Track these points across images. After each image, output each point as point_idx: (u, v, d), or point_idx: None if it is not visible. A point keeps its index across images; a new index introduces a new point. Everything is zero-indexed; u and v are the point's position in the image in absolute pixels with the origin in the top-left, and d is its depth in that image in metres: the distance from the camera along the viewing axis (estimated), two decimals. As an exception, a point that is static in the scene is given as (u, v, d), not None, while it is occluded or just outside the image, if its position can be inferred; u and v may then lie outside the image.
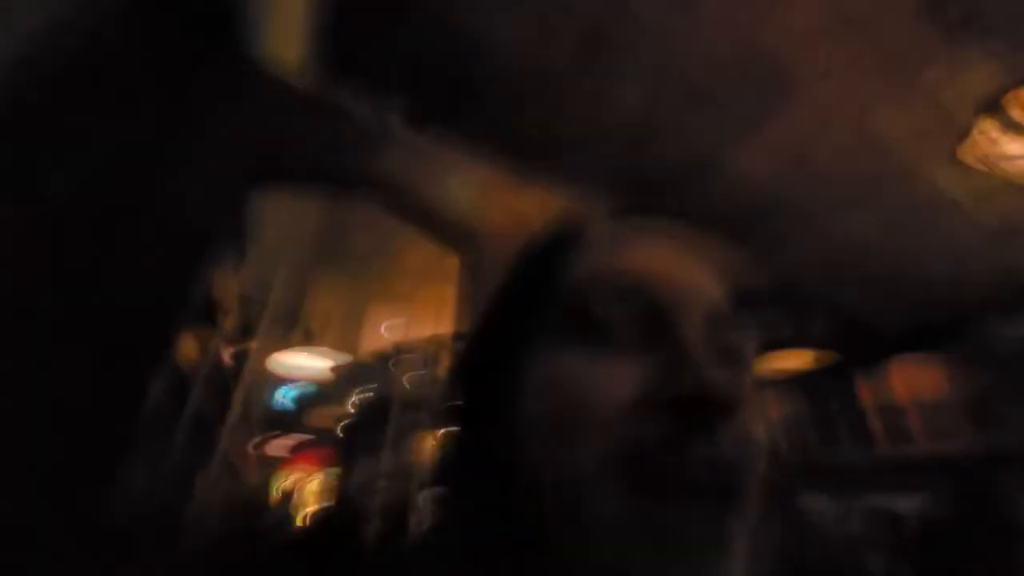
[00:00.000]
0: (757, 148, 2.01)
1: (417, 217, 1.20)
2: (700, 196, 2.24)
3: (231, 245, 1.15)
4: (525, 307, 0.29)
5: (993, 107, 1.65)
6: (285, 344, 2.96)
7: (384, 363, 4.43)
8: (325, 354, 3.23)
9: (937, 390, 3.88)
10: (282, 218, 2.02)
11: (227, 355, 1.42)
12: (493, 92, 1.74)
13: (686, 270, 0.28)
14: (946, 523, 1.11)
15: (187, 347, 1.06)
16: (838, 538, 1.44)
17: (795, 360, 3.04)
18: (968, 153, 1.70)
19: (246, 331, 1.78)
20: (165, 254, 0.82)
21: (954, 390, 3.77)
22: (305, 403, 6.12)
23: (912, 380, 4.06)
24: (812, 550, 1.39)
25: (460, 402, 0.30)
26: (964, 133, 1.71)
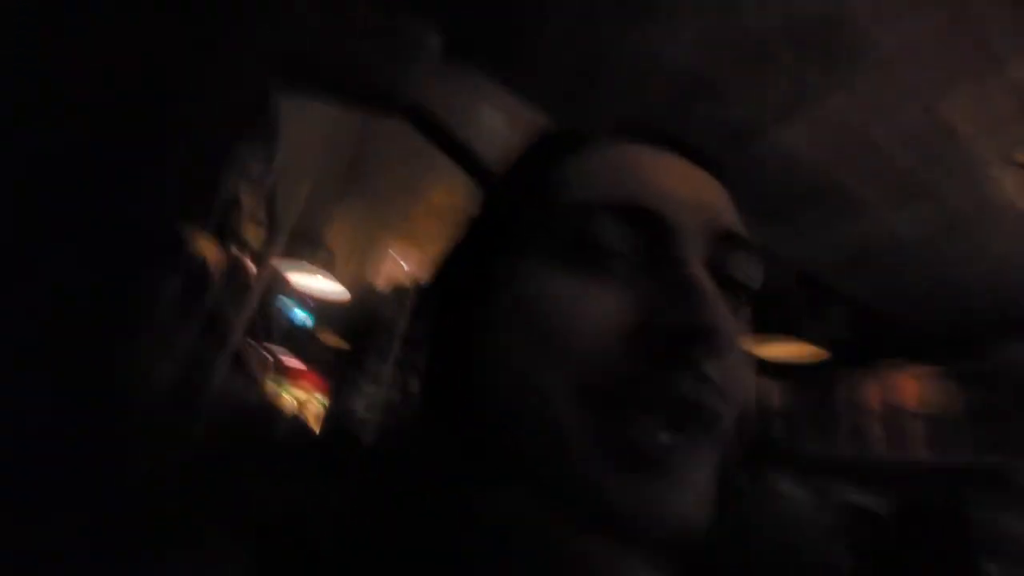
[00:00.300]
0: (814, 124, 1.87)
1: (444, 144, 1.16)
2: (742, 168, 2.12)
3: (255, 150, 1.14)
4: (509, 222, 0.26)
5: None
6: (305, 263, 3.02)
7: (400, 297, 4.52)
8: (342, 279, 3.29)
9: (945, 403, 3.83)
10: (311, 138, 1.99)
11: (249, 263, 1.46)
12: (539, 29, 1.63)
13: (695, 189, 0.25)
14: (915, 526, 1.12)
15: (208, 250, 1.09)
16: (810, 525, 1.48)
17: (804, 351, 3.00)
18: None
19: (269, 243, 1.81)
20: (186, 150, 0.82)
21: (963, 406, 3.73)
22: (320, 324, 6.35)
23: (921, 389, 4.01)
24: (783, 532, 1.44)
25: (431, 320, 0.29)
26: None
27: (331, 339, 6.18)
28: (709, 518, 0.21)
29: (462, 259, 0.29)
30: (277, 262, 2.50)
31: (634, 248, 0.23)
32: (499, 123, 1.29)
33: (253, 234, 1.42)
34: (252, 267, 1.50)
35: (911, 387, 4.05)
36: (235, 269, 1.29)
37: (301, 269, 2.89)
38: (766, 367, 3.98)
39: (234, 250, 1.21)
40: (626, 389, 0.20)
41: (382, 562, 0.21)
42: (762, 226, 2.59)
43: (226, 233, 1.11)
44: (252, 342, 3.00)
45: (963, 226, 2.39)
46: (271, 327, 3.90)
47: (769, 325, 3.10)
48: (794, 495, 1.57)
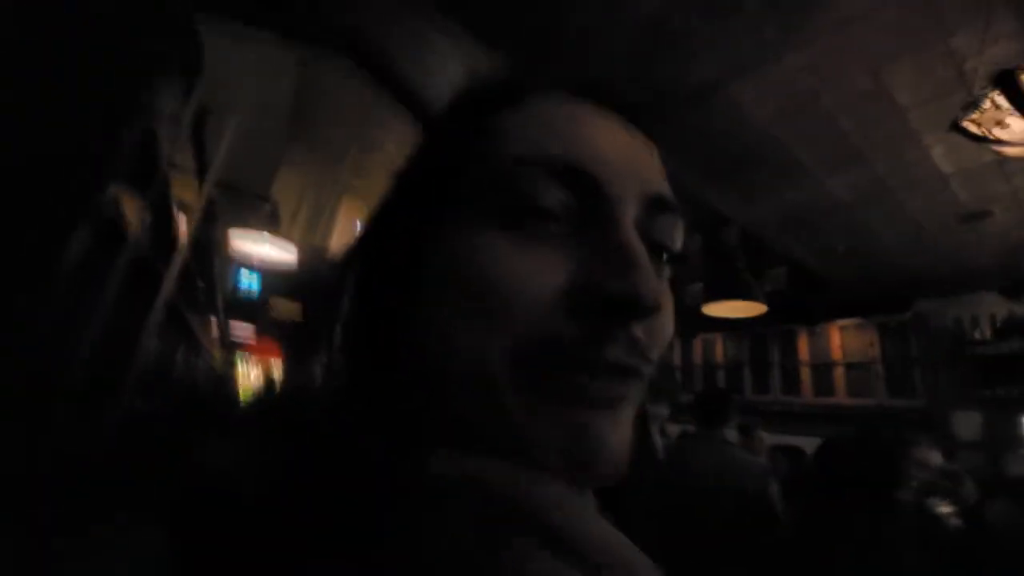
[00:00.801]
0: (767, 84, 1.89)
1: (391, 86, 1.07)
2: (698, 128, 2.13)
3: (173, 86, 1.00)
4: (441, 175, 0.25)
5: (1009, 81, 1.58)
6: (247, 221, 2.81)
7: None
8: (292, 243, 3.10)
9: (865, 353, 4.25)
10: (243, 76, 1.80)
11: (177, 216, 1.32)
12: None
13: (631, 154, 0.25)
14: (834, 461, 1.25)
15: (125, 201, 0.97)
16: (746, 465, 1.63)
17: (746, 308, 3.19)
18: (972, 124, 1.66)
19: (200, 195, 1.64)
20: (89, 84, 0.70)
21: (880, 356, 4.16)
22: (270, 291, 6.03)
23: (845, 341, 4.42)
24: (723, 473, 1.58)
25: (358, 280, 0.27)
26: (974, 105, 1.66)
27: (283, 305, 5.92)
28: (629, 454, 0.23)
29: (391, 214, 0.28)
30: (215, 218, 2.31)
31: (569, 210, 0.23)
32: (453, 67, 1.20)
33: (180, 184, 1.28)
34: (181, 220, 1.36)
35: (836, 338, 4.47)
36: (160, 222, 1.16)
37: (243, 227, 2.68)
38: (712, 323, 4.22)
39: (158, 201, 1.08)
40: (561, 352, 0.21)
41: (308, 528, 0.20)
42: (711, 186, 2.66)
43: (145, 182, 0.99)
44: (202, 311, 2.80)
45: (889, 191, 2.56)
46: (215, 290, 3.66)
47: (717, 285, 3.25)
48: (734, 439, 1.72)
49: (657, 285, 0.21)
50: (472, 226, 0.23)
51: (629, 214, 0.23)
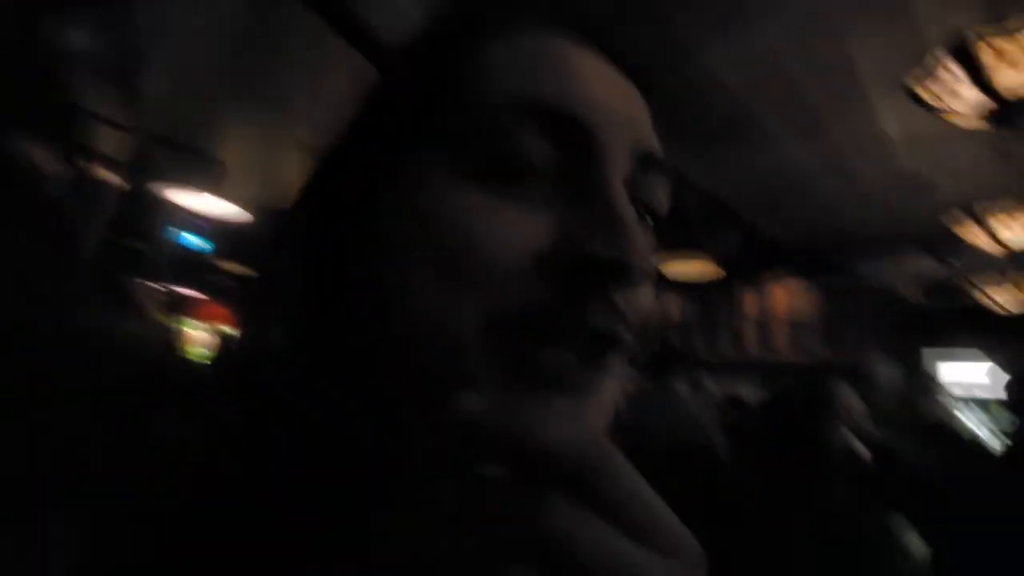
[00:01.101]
0: (736, 51, 1.87)
1: (340, 25, 0.97)
2: (671, 95, 2.10)
3: (96, 27, 0.86)
4: (409, 119, 0.22)
5: (964, 49, 1.63)
6: (187, 178, 2.57)
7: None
8: (238, 197, 2.89)
9: (805, 312, 4.59)
10: (181, 18, 1.58)
11: (104, 174, 1.17)
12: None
13: (624, 102, 0.23)
14: (777, 410, 1.36)
15: (39, 157, 0.84)
16: (695, 419, 1.74)
17: (701, 268, 3.33)
18: (926, 93, 1.71)
19: (134, 151, 1.47)
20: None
21: (818, 313, 4.50)
22: (217, 250, 5.69)
23: (787, 300, 4.74)
24: (675, 426, 1.68)
25: (308, 232, 0.24)
26: (929, 73, 1.70)
27: (233, 266, 5.59)
28: (607, 430, 0.21)
29: (346, 161, 0.24)
30: (155, 175, 2.10)
31: (553, 163, 0.20)
32: (409, 4, 1.07)
33: (108, 138, 1.13)
34: (112, 179, 1.21)
35: (781, 298, 4.76)
36: (83, 181, 1.03)
37: (183, 185, 2.46)
38: (668, 283, 4.38)
39: (78, 158, 0.95)
40: (537, 318, 0.19)
41: (261, 498, 0.19)
42: (677, 150, 2.67)
43: (62, 135, 0.86)
44: (141, 270, 2.60)
45: (843, 157, 2.66)
46: (159, 254, 3.41)
47: (672, 246, 3.35)
48: (684, 394, 1.82)
49: (645, 249, 0.19)
50: (444, 178, 0.20)
51: (618, 170, 0.21)
